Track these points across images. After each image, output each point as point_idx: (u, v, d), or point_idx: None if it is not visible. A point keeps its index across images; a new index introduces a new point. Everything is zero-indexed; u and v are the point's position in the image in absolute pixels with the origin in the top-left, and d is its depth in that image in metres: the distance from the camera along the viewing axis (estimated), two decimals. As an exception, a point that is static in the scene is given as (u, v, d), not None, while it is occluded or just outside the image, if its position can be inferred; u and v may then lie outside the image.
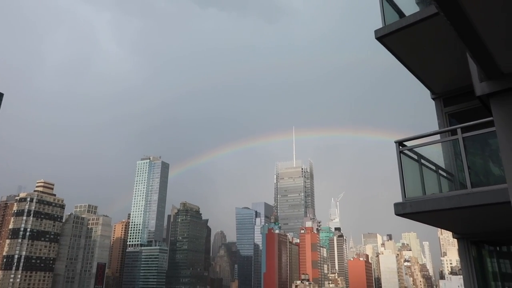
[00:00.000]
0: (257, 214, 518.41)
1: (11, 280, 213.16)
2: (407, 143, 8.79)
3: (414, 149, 8.79)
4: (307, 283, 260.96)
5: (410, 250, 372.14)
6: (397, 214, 8.15)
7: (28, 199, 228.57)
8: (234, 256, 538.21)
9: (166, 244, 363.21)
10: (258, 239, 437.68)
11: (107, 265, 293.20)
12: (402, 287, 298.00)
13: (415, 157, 8.82)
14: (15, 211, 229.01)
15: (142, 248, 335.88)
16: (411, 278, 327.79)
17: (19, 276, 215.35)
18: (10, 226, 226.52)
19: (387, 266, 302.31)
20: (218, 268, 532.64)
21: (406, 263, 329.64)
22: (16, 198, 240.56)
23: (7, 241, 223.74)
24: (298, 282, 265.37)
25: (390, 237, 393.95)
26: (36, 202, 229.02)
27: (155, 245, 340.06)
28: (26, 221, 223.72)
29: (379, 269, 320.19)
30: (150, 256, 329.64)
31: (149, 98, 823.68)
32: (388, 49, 9.13)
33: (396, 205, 8.15)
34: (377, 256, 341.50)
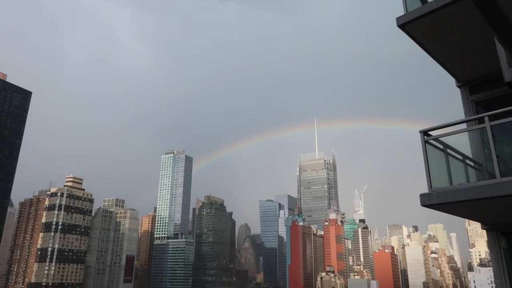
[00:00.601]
0: (280, 207, 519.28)
1: (46, 272, 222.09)
2: (432, 133, 8.61)
3: (439, 138, 8.61)
4: (332, 275, 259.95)
5: (437, 241, 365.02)
6: (423, 205, 8.02)
7: (59, 194, 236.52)
8: (259, 248, 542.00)
9: (192, 236, 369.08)
10: (282, 231, 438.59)
11: (136, 257, 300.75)
12: (429, 279, 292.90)
13: (441, 146, 8.63)
14: (47, 206, 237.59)
15: (169, 240, 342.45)
16: (439, 270, 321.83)
17: (53, 268, 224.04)
18: (43, 220, 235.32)
19: (414, 258, 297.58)
20: (244, 260, 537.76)
21: (433, 255, 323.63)
22: (47, 193, 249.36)
23: (41, 234, 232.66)
24: (323, 274, 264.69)
25: (416, 228, 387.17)
26: (66, 197, 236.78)
27: (181, 238, 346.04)
28: (57, 215, 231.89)
29: (405, 261, 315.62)
30: (177, 249, 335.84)
31: (171, 93, 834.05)
32: (411, 36, 8.93)
33: (422, 196, 8.03)
34: (403, 247, 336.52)
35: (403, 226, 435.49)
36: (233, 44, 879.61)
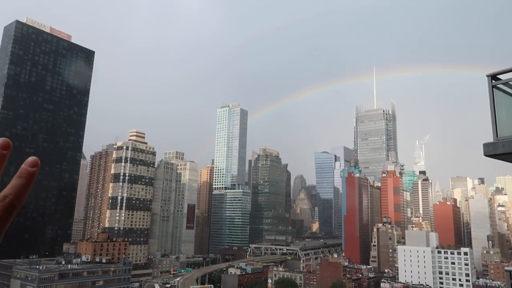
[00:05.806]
0: (336, 158, 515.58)
1: (117, 218, 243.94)
2: (502, 76, 7.76)
3: (510, 82, 7.75)
4: (389, 226, 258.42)
5: (506, 194, 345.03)
6: (486, 155, 7.42)
7: (124, 147, 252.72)
8: (314, 199, 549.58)
9: (248, 187, 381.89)
10: (338, 182, 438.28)
11: (196, 206, 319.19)
12: (495, 232, 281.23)
13: (511, 91, 7.80)
14: (114, 158, 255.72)
15: (227, 191, 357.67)
16: (506, 224, 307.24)
17: (123, 214, 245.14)
18: (112, 171, 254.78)
19: (478, 211, 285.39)
20: (299, 210, 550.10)
21: (500, 208, 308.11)
22: (114, 146, 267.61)
23: (111, 184, 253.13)
24: (380, 225, 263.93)
25: (482, 181, 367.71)
26: (131, 150, 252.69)
27: (238, 188, 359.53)
28: (124, 167, 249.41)
29: (469, 214, 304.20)
30: (234, 198, 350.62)
31: (227, 42, 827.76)
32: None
33: (486, 145, 7.40)
34: (466, 200, 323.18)
35: (468, 178, 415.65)
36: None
